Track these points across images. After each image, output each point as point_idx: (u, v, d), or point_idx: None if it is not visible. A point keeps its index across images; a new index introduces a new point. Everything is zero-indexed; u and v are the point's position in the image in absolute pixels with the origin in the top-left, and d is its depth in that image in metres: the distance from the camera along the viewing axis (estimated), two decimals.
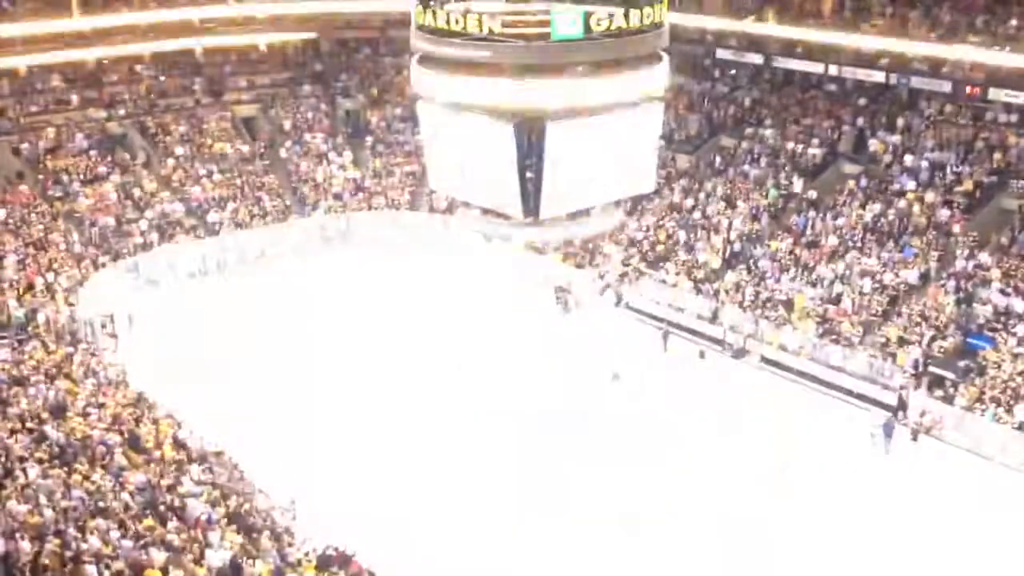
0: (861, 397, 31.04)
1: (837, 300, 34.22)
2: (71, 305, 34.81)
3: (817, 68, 41.48)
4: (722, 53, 44.73)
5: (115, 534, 20.08)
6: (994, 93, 36.66)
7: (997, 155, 37.41)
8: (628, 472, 27.46)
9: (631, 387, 31.96)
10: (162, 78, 49.14)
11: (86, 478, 22.17)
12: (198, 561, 19.86)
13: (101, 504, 21.09)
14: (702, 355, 34.66)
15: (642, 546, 24.38)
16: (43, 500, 20.74)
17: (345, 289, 39.24)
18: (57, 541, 19.08)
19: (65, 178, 42.67)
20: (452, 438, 28.80)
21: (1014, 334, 30.81)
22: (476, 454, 28.04)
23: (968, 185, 36.82)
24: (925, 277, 34.13)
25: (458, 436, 28.93)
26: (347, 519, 23.78)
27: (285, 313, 37.01)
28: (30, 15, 42.72)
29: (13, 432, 23.54)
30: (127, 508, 21.29)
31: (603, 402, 31.28)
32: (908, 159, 38.82)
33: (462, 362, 31.48)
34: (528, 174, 22.66)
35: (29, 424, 24.44)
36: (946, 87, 38.29)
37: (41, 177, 42.44)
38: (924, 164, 38.35)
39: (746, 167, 42.30)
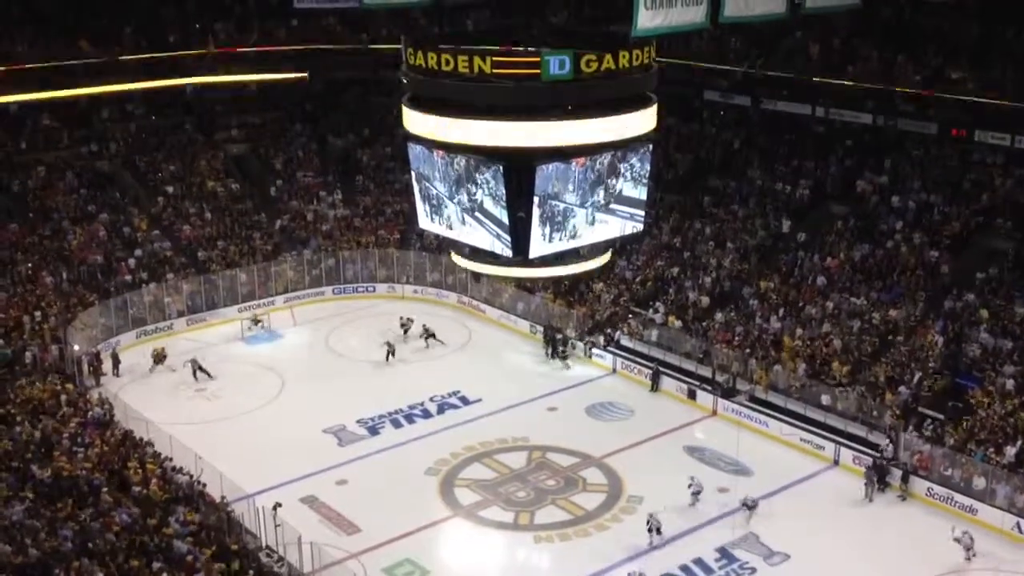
0: (850, 437, 31.01)
1: (826, 340, 34.26)
2: (59, 343, 34.65)
3: (804, 110, 41.77)
4: (710, 95, 45.02)
5: (100, 575, 19.92)
6: (980, 135, 36.92)
7: (984, 196, 37.70)
8: None
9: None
10: (153, 117, 49.19)
11: (71, 518, 22.02)
12: None
13: (87, 544, 20.94)
14: (692, 394, 34.65)
15: None
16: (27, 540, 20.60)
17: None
18: None
19: (54, 216, 42.63)
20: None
21: (1002, 374, 30.88)
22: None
23: (955, 226, 37.06)
24: (913, 317, 34.21)
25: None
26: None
27: None
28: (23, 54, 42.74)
29: None
30: (112, 548, 21.12)
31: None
32: (895, 200, 39.06)
33: None
34: (518, 214, 22.71)
35: (14, 463, 24.32)
36: (932, 129, 38.54)
37: (30, 215, 42.39)
38: (911, 205, 38.59)
39: (734, 207, 42.52)
